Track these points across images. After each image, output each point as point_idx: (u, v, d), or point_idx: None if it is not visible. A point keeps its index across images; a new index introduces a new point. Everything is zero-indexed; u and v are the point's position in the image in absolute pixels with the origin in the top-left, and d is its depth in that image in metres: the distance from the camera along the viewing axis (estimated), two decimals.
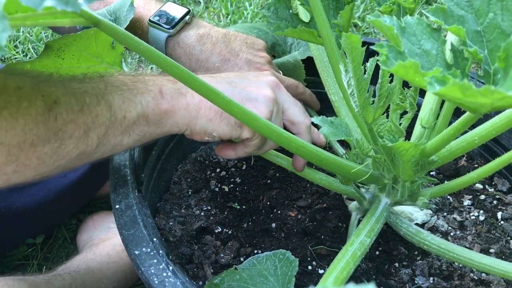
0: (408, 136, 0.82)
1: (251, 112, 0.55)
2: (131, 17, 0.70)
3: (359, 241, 0.61)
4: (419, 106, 0.72)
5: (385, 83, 0.54)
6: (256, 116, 0.56)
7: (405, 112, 0.65)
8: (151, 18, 0.81)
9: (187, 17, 0.82)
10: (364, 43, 0.51)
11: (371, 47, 0.43)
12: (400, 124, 0.65)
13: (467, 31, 0.48)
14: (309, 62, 0.89)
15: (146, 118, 0.56)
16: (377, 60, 0.43)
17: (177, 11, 0.82)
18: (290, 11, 0.78)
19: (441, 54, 0.47)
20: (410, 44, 0.47)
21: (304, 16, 0.81)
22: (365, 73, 0.53)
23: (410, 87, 0.60)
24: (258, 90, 0.63)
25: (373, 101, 0.55)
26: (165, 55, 0.80)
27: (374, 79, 0.53)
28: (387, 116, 0.64)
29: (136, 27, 0.83)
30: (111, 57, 0.69)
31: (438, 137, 0.57)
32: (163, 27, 0.80)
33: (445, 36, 0.53)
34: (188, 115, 0.59)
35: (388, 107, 0.59)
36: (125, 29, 0.82)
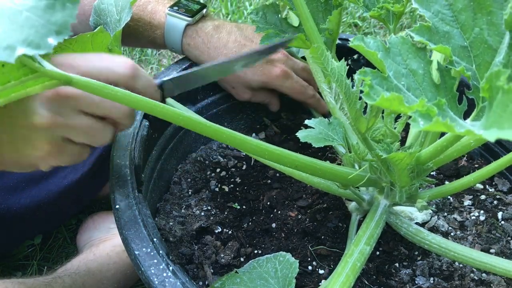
0: (405, 135, 0.82)
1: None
2: (127, 19, 0.70)
3: (358, 250, 0.60)
4: None
5: None
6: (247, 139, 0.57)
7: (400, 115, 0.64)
8: (169, 8, 0.87)
9: (204, 10, 0.88)
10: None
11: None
12: (394, 128, 0.65)
13: (453, 48, 0.48)
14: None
15: None
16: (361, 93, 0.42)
17: (194, 4, 0.88)
18: (279, 15, 0.78)
19: (428, 74, 0.47)
20: (396, 64, 0.46)
21: (295, 20, 0.81)
22: (353, 86, 0.52)
23: None
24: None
25: (366, 108, 0.54)
26: (181, 44, 0.87)
27: None
28: (382, 118, 0.64)
29: (152, 19, 0.88)
30: None
31: (432, 146, 0.57)
32: (183, 15, 0.85)
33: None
34: None
35: (383, 111, 0.59)
36: (134, 22, 0.87)
